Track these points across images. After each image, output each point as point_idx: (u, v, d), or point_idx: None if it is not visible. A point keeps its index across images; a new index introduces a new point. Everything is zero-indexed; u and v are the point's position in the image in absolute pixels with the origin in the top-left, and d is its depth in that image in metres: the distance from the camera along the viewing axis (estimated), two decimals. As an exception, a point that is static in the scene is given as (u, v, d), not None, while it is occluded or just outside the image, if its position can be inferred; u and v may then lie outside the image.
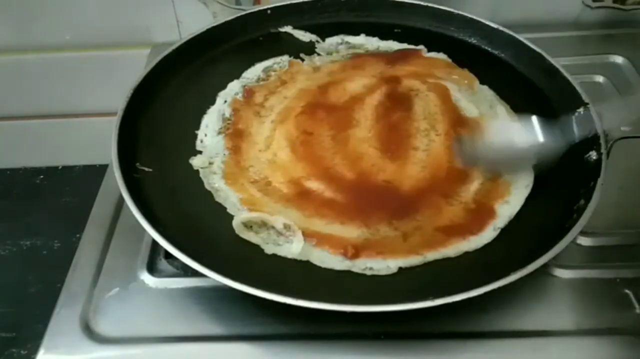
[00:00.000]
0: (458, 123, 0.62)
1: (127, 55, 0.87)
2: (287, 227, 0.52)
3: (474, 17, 0.73)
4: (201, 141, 0.62)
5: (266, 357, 0.50)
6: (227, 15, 0.77)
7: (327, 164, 0.58)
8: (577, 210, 0.51)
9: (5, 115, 0.96)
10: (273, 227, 0.53)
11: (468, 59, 0.71)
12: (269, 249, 0.52)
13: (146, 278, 0.55)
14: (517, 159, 0.57)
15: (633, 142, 0.61)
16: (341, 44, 0.75)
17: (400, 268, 0.50)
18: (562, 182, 0.56)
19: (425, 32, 0.75)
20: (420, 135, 0.61)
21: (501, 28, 0.71)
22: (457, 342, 0.50)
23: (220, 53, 0.72)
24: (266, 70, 0.71)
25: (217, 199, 0.56)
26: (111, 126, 0.58)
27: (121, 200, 0.60)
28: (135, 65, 0.74)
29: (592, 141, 0.56)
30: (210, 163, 0.60)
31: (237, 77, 0.70)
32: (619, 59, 0.77)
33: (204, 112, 0.65)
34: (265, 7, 0.75)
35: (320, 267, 0.51)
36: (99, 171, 0.64)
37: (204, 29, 0.71)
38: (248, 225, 0.53)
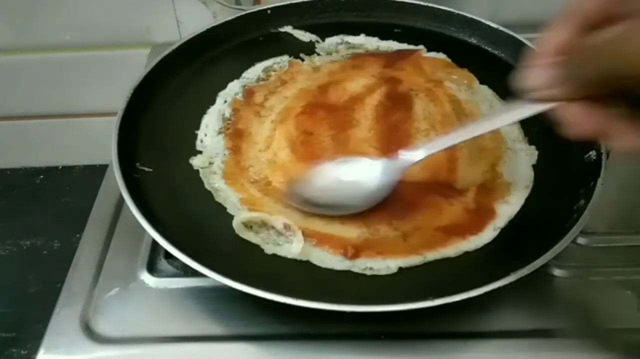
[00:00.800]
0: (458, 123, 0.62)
1: (127, 55, 0.87)
2: (287, 227, 0.52)
3: (474, 17, 0.73)
4: (201, 141, 0.62)
5: (266, 357, 0.50)
6: (227, 15, 0.77)
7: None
8: (577, 210, 0.51)
9: (5, 115, 0.96)
10: (273, 227, 0.53)
11: (468, 59, 0.71)
12: (269, 249, 0.52)
13: (146, 277, 0.55)
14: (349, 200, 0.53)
15: (633, 142, 0.61)
16: (341, 44, 0.75)
17: (400, 268, 0.50)
18: (562, 182, 0.55)
19: (425, 32, 0.75)
20: (420, 135, 0.61)
21: (501, 28, 0.72)
22: (457, 342, 0.50)
23: (220, 53, 0.72)
24: (266, 70, 0.71)
25: (217, 199, 0.56)
26: (111, 126, 0.58)
27: (121, 200, 0.60)
28: (135, 65, 0.75)
29: (592, 141, 0.56)
30: (210, 163, 0.60)
31: (237, 77, 0.70)
32: (618, 59, 0.77)
33: (204, 112, 0.65)
34: (265, 7, 0.75)
35: (320, 267, 0.51)
36: (99, 171, 0.64)
37: (204, 29, 0.71)
38: (248, 225, 0.53)
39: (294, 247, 0.51)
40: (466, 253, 0.51)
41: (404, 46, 0.74)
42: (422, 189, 0.56)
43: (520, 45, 0.69)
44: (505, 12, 0.81)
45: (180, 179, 0.58)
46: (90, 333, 0.50)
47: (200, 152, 0.61)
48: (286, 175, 0.57)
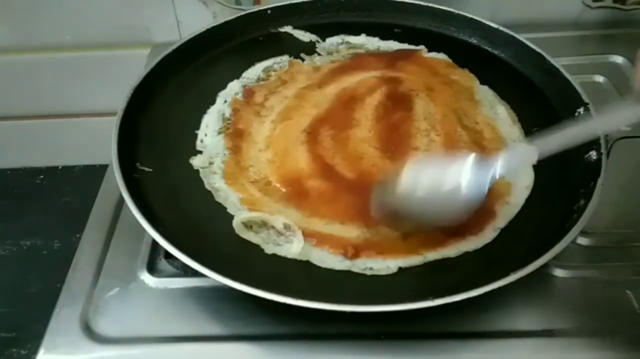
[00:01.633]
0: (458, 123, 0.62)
1: (127, 55, 0.87)
2: (287, 227, 0.52)
3: (474, 17, 0.73)
4: (201, 141, 0.62)
5: (266, 357, 0.50)
6: (227, 15, 0.77)
7: (327, 164, 0.58)
8: (577, 210, 0.51)
9: (5, 115, 0.96)
10: (273, 227, 0.53)
11: (468, 59, 0.71)
12: (269, 249, 0.52)
13: (146, 277, 0.55)
14: (443, 207, 0.48)
15: (633, 142, 0.61)
16: (341, 44, 0.75)
17: (400, 268, 0.50)
18: (562, 182, 0.56)
19: (426, 32, 0.75)
20: (420, 135, 0.61)
21: (501, 28, 0.72)
22: (457, 342, 0.50)
23: (220, 53, 0.72)
24: (266, 70, 0.71)
25: (217, 199, 0.56)
26: (111, 126, 0.58)
27: (121, 200, 0.60)
28: (135, 65, 0.74)
29: (592, 141, 0.56)
30: (211, 163, 0.60)
31: (237, 77, 0.69)
32: (619, 59, 0.77)
33: (204, 112, 0.65)
34: (265, 7, 0.75)
35: (320, 267, 0.51)
36: (99, 171, 0.64)
37: (204, 29, 0.71)
38: (248, 225, 0.53)
39: (294, 247, 0.51)
40: (466, 253, 0.51)
41: (405, 46, 0.74)
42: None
43: (520, 45, 0.69)
44: (505, 12, 0.81)
45: (180, 179, 0.58)
46: (90, 333, 0.50)
47: (201, 152, 0.61)
48: (286, 175, 0.57)
